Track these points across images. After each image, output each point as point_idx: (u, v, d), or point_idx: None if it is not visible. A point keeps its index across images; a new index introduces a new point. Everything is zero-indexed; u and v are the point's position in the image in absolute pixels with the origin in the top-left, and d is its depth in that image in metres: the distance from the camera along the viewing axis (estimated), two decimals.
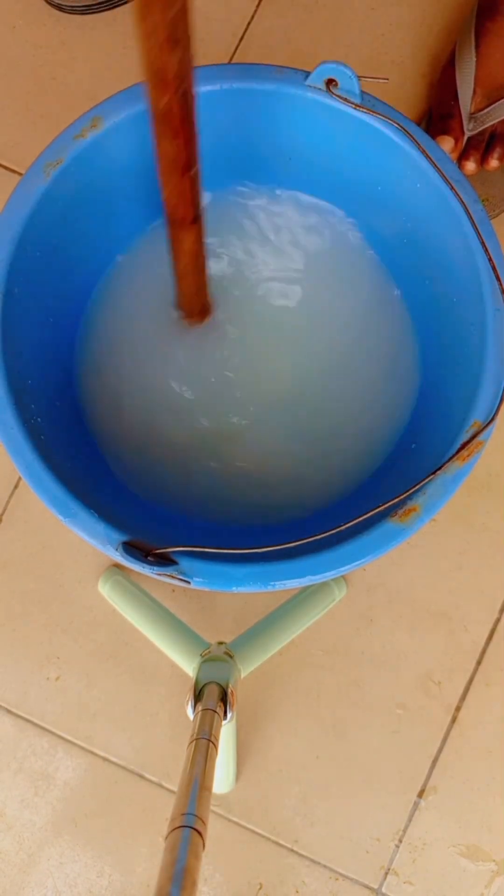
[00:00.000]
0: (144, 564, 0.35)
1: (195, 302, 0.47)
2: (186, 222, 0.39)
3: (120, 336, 0.49)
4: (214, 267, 0.49)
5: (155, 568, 0.35)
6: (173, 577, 0.36)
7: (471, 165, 0.56)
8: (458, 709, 0.57)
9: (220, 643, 0.48)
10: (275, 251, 0.50)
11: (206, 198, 0.50)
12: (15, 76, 0.63)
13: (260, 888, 0.56)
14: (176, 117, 0.33)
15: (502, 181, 0.58)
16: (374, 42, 0.62)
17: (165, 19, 0.28)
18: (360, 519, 0.36)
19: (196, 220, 0.39)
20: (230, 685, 0.41)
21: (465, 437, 0.38)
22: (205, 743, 0.35)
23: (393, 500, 0.36)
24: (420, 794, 0.57)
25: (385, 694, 0.57)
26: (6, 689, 0.58)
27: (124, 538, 0.36)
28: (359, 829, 0.56)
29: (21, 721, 0.58)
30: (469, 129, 0.56)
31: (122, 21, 0.63)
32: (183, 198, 0.38)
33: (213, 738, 0.36)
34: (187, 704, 0.40)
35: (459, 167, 0.56)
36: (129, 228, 0.50)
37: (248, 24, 0.63)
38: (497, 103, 0.56)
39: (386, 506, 0.36)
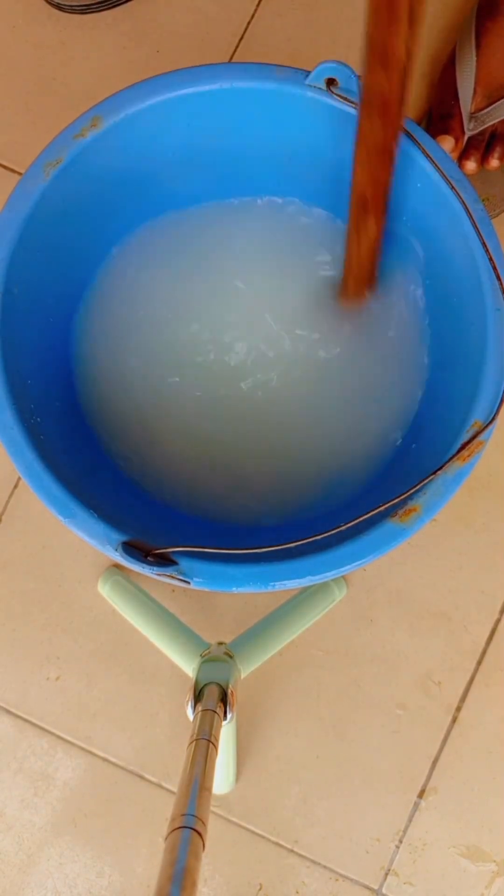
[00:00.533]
0: (144, 564, 0.35)
1: (362, 284, 0.46)
2: (374, 208, 0.39)
3: (119, 335, 0.49)
4: (212, 265, 0.50)
5: (155, 568, 0.35)
6: (173, 578, 0.36)
7: (471, 165, 0.56)
8: (458, 709, 0.57)
9: (220, 643, 0.48)
10: (271, 250, 0.50)
11: (203, 196, 0.50)
12: (15, 76, 0.63)
13: (260, 888, 0.56)
14: (394, 99, 0.31)
15: (503, 181, 0.58)
16: None
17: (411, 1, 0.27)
18: (361, 519, 0.36)
19: (383, 208, 0.39)
20: (230, 685, 0.41)
21: (465, 437, 0.38)
22: (205, 743, 0.35)
23: (393, 500, 0.36)
24: (420, 795, 0.57)
25: (385, 694, 0.57)
26: (6, 689, 0.58)
27: (124, 538, 0.36)
28: (359, 830, 0.56)
29: (21, 721, 0.58)
30: (469, 129, 0.56)
31: (122, 21, 0.63)
32: (376, 183, 0.37)
33: (213, 739, 0.36)
34: (187, 705, 0.40)
35: (460, 167, 0.56)
36: (129, 228, 0.50)
37: (248, 24, 0.63)
38: (497, 103, 0.56)
39: (386, 506, 0.36)
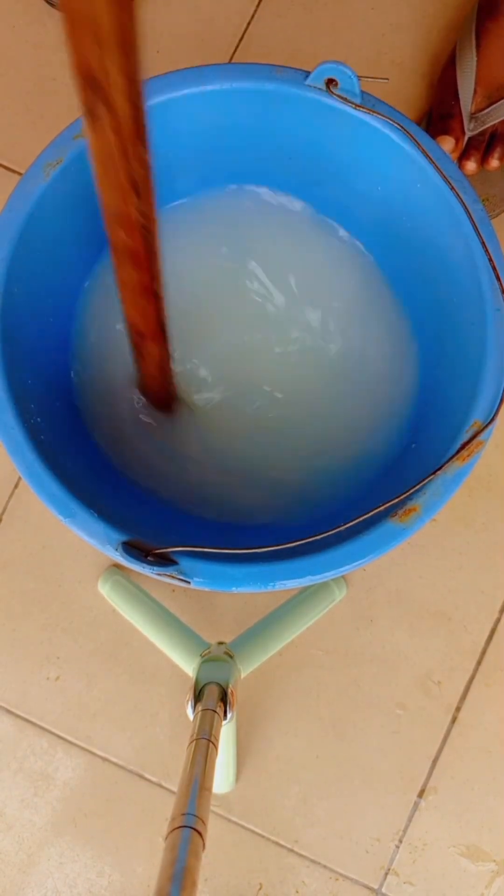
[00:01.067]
0: (144, 564, 0.35)
1: (162, 399, 0.47)
2: (151, 336, 0.40)
3: (119, 335, 0.49)
4: (212, 265, 0.50)
5: (155, 568, 0.35)
6: (173, 577, 0.36)
7: (471, 165, 0.56)
8: (458, 709, 0.57)
9: (220, 643, 0.48)
10: (271, 251, 0.50)
11: (205, 198, 0.50)
12: (15, 76, 0.63)
13: (260, 888, 0.56)
14: (141, 251, 0.33)
15: (502, 181, 0.58)
16: (374, 42, 0.62)
17: (128, 170, 0.28)
18: (360, 519, 0.36)
19: (161, 334, 0.40)
20: (230, 685, 0.41)
21: (465, 436, 0.38)
22: (205, 743, 0.35)
23: (393, 500, 0.36)
24: (420, 794, 0.57)
25: (385, 694, 0.57)
26: (6, 689, 0.58)
27: (124, 538, 0.36)
28: (359, 829, 0.56)
29: (21, 721, 0.58)
30: (469, 129, 0.56)
31: None
32: (146, 318, 0.38)
33: (213, 739, 0.36)
34: (187, 704, 0.40)
35: (460, 167, 0.56)
36: None
37: (248, 24, 0.63)
38: (498, 103, 0.56)
39: (386, 506, 0.36)
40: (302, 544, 0.35)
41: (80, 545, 0.59)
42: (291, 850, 0.56)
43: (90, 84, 0.24)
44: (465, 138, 0.56)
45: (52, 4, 0.62)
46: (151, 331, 0.39)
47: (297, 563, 0.36)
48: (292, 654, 0.57)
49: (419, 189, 0.43)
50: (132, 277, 0.35)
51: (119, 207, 0.30)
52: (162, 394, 0.47)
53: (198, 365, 0.49)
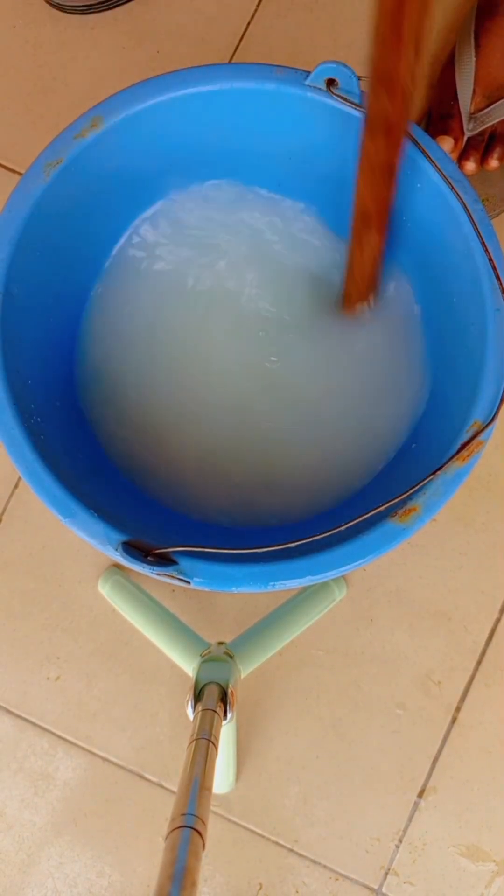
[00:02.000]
0: (144, 564, 0.35)
1: (364, 294, 0.47)
2: (376, 223, 0.39)
3: (120, 335, 0.49)
4: (212, 264, 0.50)
5: (155, 568, 0.35)
6: (173, 577, 0.36)
7: (471, 165, 0.56)
8: (458, 709, 0.57)
9: (220, 643, 0.48)
10: (271, 250, 0.50)
11: (205, 197, 0.50)
12: (15, 76, 0.63)
13: (260, 888, 0.56)
14: (398, 122, 0.32)
15: (502, 181, 0.58)
16: None
17: (415, 23, 0.27)
18: (360, 519, 0.36)
19: (385, 222, 0.39)
20: (230, 685, 0.41)
21: (465, 436, 0.38)
22: (205, 743, 0.35)
23: (393, 500, 0.36)
24: (420, 794, 0.57)
25: (385, 694, 0.57)
26: (6, 689, 0.58)
27: (124, 538, 0.36)
28: (359, 829, 0.56)
29: (21, 721, 0.58)
30: (469, 130, 0.56)
31: (123, 21, 0.63)
32: (378, 201, 0.38)
33: (213, 738, 0.36)
34: (187, 704, 0.40)
35: (459, 167, 0.56)
36: (129, 227, 0.50)
37: (248, 24, 0.63)
38: (497, 103, 0.56)
39: (386, 506, 0.36)
40: (302, 544, 0.35)
41: (80, 545, 0.59)
42: (291, 850, 0.56)
43: None
44: (465, 138, 0.56)
45: (52, 5, 0.62)
46: (378, 216, 0.38)
47: (297, 563, 0.36)
48: (292, 654, 0.57)
49: (419, 189, 0.43)
50: (379, 152, 0.33)
51: (393, 66, 0.28)
52: (369, 288, 0.46)
53: (198, 366, 0.49)
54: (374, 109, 0.32)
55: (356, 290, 0.46)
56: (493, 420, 0.38)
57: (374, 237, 0.40)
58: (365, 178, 0.36)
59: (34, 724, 0.58)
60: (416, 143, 0.41)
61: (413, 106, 0.32)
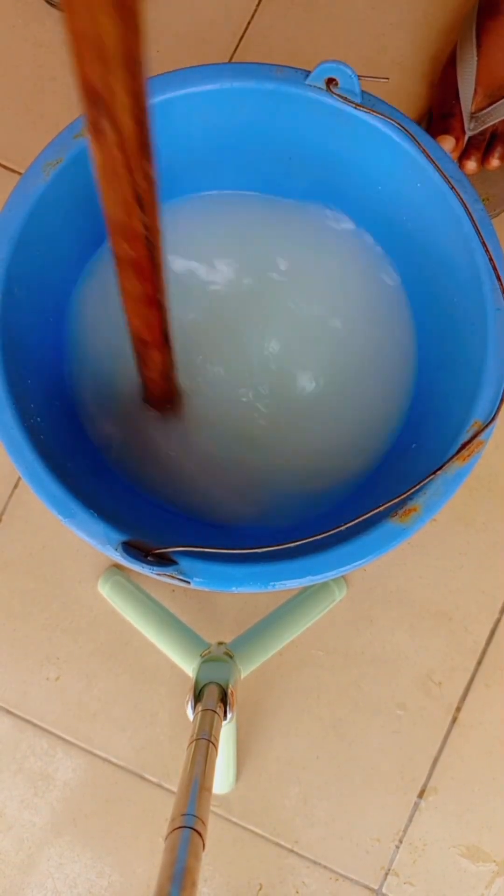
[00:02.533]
0: (144, 564, 0.35)
1: (165, 402, 0.48)
2: (154, 344, 0.40)
3: (120, 336, 0.49)
4: (212, 264, 0.49)
5: (155, 568, 0.35)
6: (173, 577, 0.35)
7: (471, 165, 0.56)
8: (458, 709, 0.57)
9: (220, 643, 0.48)
10: (270, 250, 0.50)
11: (205, 197, 0.50)
12: (15, 76, 0.63)
13: (260, 888, 0.56)
14: (144, 262, 0.33)
15: (503, 181, 0.58)
16: (375, 42, 0.62)
17: (132, 184, 0.28)
18: (360, 519, 0.36)
19: (164, 342, 0.40)
20: (230, 685, 0.41)
21: (465, 436, 0.38)
22: (205, 743, 0.35)
23: (393, 500, 0.36)
24: (420, 795, 0.57)
25: (385, 694, 0.57)
26: (6, 689, 0.58)
27: (124, 538, 0.36)
28: (359, 830, 0.56)
29: (21, 721, 0.58)
30: (470, 129, 0.56)
31: None
32: (150, 328, 0.38)
33: (213, 739, 0.36)
34: (187, 705, 0.40)
35: (460, 166, 0.56)
36: None
37: (248, 24, 0.63)
38: (498, 102, 0.56)
39: (386, 506, 0.36)
40: (302, 544, 0.35)
41: (80, 545, 0.59)
42: (291, 851, 0.56)
43: (94, 101, 0.24)
44: (466, 138, 0.56)
45: (52, 4, 0.62)
46: (155, 339, 0.39)
47: (297, 563, 0.36)
48: (292, 654, 0.57)
49: (419, 188, 0.43)
50: (136, 288, 0.35)
51: (123, 220, 0.30)
52: (164, 397, 0.47)
53: (198, 365, 0.49)
54: (118, 254, 0.33)
55: (156, 399, 0.47)
56: (493, 420, 0.38)
57: (156, 355, 0.41)
58: (131, 311, 0.37)
59: (34, 725, 0.58)
60: (416, 142, 0.41)
61: (156, 250, 0.32)
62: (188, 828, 0.30)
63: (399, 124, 0.41)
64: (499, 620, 0.58)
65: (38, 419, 0.40)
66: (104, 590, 0.58)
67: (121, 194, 0.29)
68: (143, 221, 0.30)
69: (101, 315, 0.49)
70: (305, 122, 0.44)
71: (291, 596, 0.56)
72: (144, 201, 0.29)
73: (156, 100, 0.42)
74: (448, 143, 0.55)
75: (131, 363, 0.49)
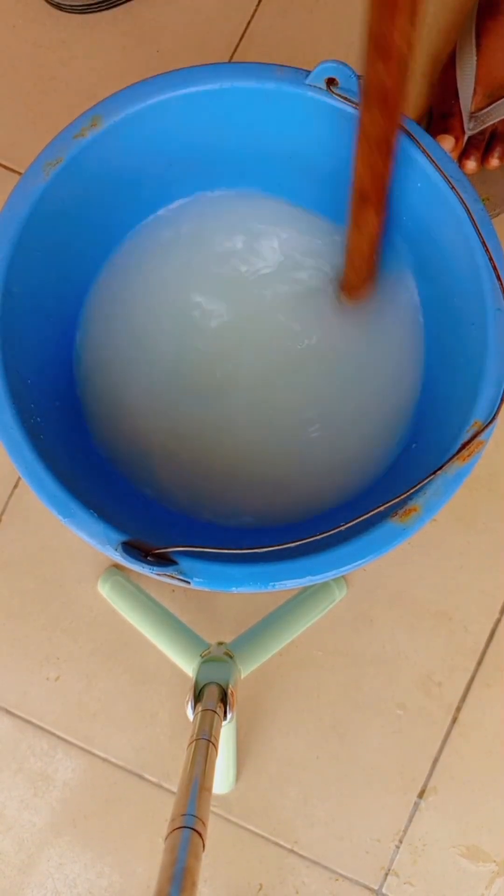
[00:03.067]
0: (144, 564, 0.35)
1: (364, 280, 0.46)
2: (374, 200, 0.39)
3: (119, 335, 0.49)
4: (213, 264, 0.49)
5: (155, 568, 0.35)
6: (173, 577, 0.35)
7: (471, 164, 0.56)
8: (458, 709, 0.57)
9: (220, 643, 0.48)
10: (267, 251, 0.50)
11: (205, 197, 0.50)
12: (15, 76, 0.63)
13: (260, 888, 0.56)
14: (395, 91, 0.32)
15: (503, 181, 0.58)
16: None
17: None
18: (360, 519, 0.36)
19: (383, 201, 0.39)
20: (230, 685, 0.41)
21: (465, 436, 0.38)
22: (205, 743, 0.35)
23: (393, 500, 0.36)
24: (420, 795, 0.57)
25: (385, 694, 0.57)
26: (6, 689, 0.58)
27: (124, 538, 0.36)
28: (359, 830, 0.56)
29: (21, 721, 0.58)
30: (470, 129, 0.56)
31: (123, 21, 0.63)
32: (375, 177, 0.37)
33: (213, 739, 0.36)
34: (187, 705, 0.40)
35: (460, 166, 0.56)
36: (129, 227, 0.50)
37: (248, 23, 0.63)
38: (498, 102, 0.56)
39: (386, 506, 0.36)
40: (302, 544, 0.35)
41: (80, 545, 0.59)
42: (291, 851, 0.56)
43: None
44: (466, 137, 0.56)
45: (52, 4, 0.62)
46: (376, 194, 0.38)
47: (297, 563, 0.36)
48: (292, 654, 0.57)
49: (419, 188, 0.43)
50: (376, 123, 0.33)
51: (388, 30, 0.28)
52: (365, 271, 0.46)
53: (197, 367, 0.49)
54: (369, 78, 0.31)
55: (356, 274, 0.46)
56: (493, 420, 0.38)
57: (371, 217, 0.40)
58: (362, 153, 0.36)
59: (34, 725, 0.58)
60: (416, 142, 0.41)
61: (409, 75, 0.31)
62: (188, 828, 0.30)
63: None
64: (499, 620, 0.58)
65: (38, 419, 0.40)
66: (104, 590, 0.57)
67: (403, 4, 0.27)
68: (408, 37, 0.28)
69: (109, 317, 0.49)
70: (305, 123, 0.44)
71: (291, 596, 0.56)
72: (416, 11, 0.27)
73: (155, 100, 0.42)
74: (448, 142, 0.55)
75: (136, 362, 0.49)
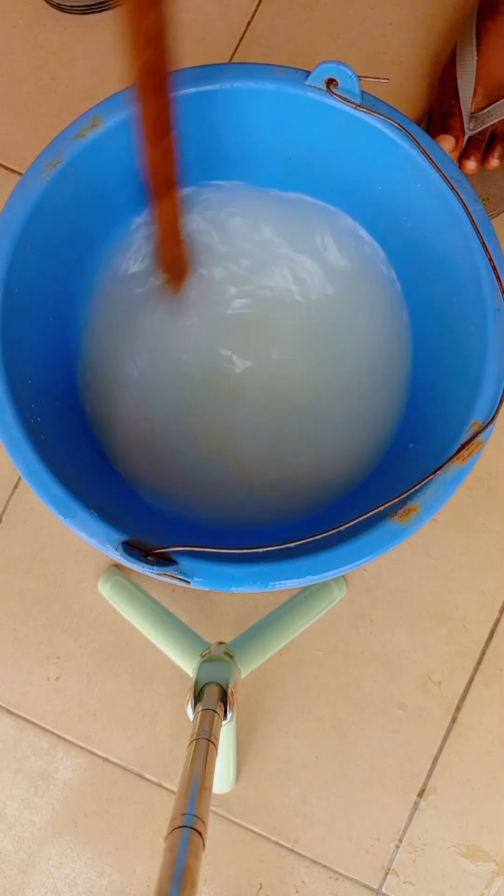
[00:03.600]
0: (144, 564, 0.35)
1: (175, 266, 0.47)
2: (165, 188, 0.40)
3: (120, 335, 0.49)
4: (212, 264, 0.50)
5: (155, 568, 0.35)
6: (173, 577, 0.36)
7: (471, 165, 0.56)
8: (458, 709, 0.57)
9: (220, 643, 0.48)
10: (269, 249, 0.50)
11: (205, 197, 0.50)
12: (15, 76, 0.63)
13: (260, 888, 0.56)
14: (158, 76, 0.33)
15: (503, 181, 0.58)
16: (374, 42, 0.62)
17: None
18: (360, 519, 0.36)
19: (174, 185, 0.40)
20: (230, 685, 0.41)
21: (465, 436, 0.38)
22: (205, 743, 0.35)
23: (393, 500, 0.36)
24: (420, 794, 0.57)
25: (385, 694, 0.57)
26: (6, 689, 0.58)
27: (124, 538, 0.36)
28: (359, 829, 0.56)
29: (21, 721, 0.58)
30: (470, 129, 0.56)
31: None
32: (162, 163, 0.38)
33: (213, 738, 0.36)
34: (187, 704, 0.40)
35: (460, 167, 0.56)
36: (129, 227, 0.50)
37: (248, 24, 0.63)
38: (498, 102, 0.56)
39: (386, 506, 0.36)
40: (302, 544, 0.35)
41: (80, 545, 0.59)
42: (291, 850, 0.56)
43: None
44: (465, 138, 0.56)
45: (52, 4, 0.62)
46: (167, 177, 0.39)
47: (297, 563, 0.36)
48: (292, 654, 0.57)
49: (419, 189, 0.43)
50: (151, 111, 0.35)
51: (138, 19, 0.31)
52: (176, 261, 0.46)
53: (197, 364, 0.49)
54: (136, 63, 0.34)
55: (168, 266, 0.47)
56: (493, 420, 0.38)
57: (170, 205, 0.42)
58: (150, 139, 0.38)
59: (34, 724, 0.58)
60: (416, 142, 0.41)
61: (169, 54, 0.34)
62: (188, 827, 0.30)
63: (399, 125, 0.41)
64: (498, 620, 0.58)
65: (39, 419, 0.40)
66: (104, 590, 0.58)
67: None
68: (158, 16, 0.31)
69: (109, 316, 0.49)
70: (305, 123, 0.44)
71: (291, 596, 0.56)
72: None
73: None
74: (448, 143, 0.55)
75: (137, 362, 0.49)
